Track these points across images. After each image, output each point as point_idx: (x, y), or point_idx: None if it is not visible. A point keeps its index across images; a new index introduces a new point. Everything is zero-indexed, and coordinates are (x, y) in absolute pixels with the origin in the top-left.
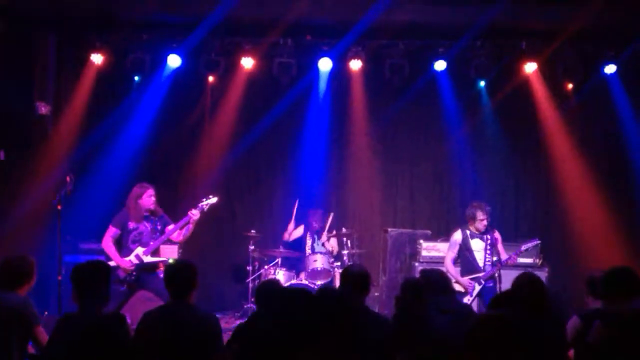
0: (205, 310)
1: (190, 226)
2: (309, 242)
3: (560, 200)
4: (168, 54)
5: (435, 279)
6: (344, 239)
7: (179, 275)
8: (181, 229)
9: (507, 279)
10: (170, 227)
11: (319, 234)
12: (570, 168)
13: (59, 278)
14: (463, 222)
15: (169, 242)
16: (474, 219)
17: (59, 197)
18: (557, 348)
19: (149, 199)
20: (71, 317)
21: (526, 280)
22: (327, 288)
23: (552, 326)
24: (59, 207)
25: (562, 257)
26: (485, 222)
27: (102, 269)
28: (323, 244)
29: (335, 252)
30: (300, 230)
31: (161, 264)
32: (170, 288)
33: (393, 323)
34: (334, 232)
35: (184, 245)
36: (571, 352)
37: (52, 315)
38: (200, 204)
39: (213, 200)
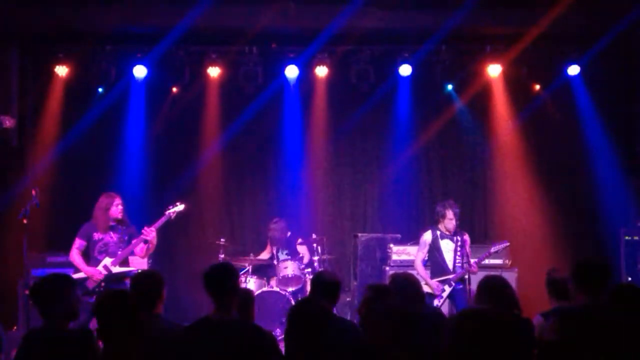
0: (173, 320)
1: (150, 245)
2: (274, 252)
3: (528, 202)
4: (134, 65)
5: (404, 284)
6: (314, 245)
7: (144, 286)
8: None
9: (477, 281)
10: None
11: (282, 244)
12: (534, 170)
13: (26, 292)
14: (433, 222)
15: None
16: (443, 217)
17: (25, 210)
18: (525, 348)
19: (116, 208)
20: (35, 333)
21: (490, 283)
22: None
23: (520, 326)
24: (25, 221)
25: (532, 258)
26: (454, 222)
27: (60, 282)
28: (289, 252)
29: (306, 260)
30: (265, 254)
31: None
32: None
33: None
34: (301, 240)
35: (154, 256)
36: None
37: (20, 331)
38: (167, 212)
39: (180, 207)
